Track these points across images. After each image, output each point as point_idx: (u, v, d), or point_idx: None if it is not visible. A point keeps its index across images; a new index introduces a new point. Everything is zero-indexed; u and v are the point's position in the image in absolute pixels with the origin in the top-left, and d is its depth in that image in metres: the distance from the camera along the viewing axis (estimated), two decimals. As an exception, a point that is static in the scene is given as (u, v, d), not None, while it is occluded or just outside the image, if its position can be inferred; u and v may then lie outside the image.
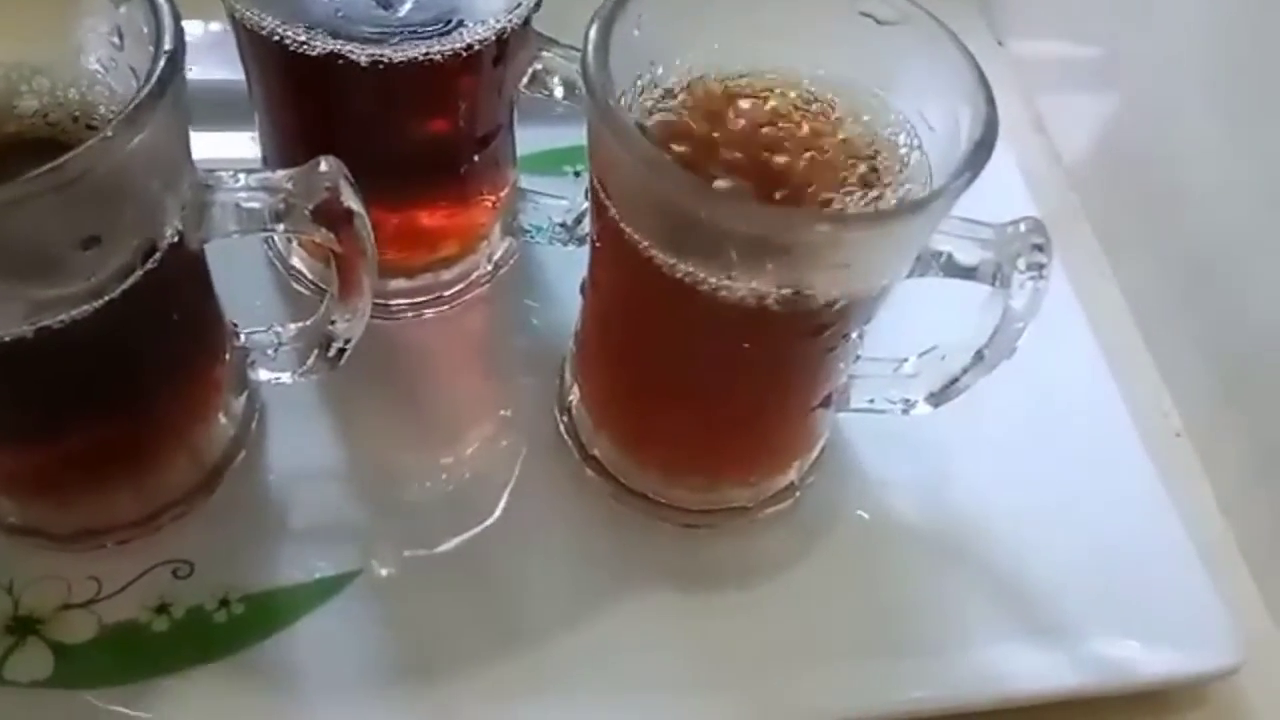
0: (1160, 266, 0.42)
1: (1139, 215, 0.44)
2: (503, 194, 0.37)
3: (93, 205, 0.24)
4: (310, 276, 0.37)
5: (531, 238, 0.37)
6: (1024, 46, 0.51)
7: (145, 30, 0.26)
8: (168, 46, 0.24)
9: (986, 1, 0.52)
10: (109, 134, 0.23)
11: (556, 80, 0.32)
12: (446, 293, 0.37)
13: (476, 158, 0.34)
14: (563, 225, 0.37)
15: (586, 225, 0.36)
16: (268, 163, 0.35)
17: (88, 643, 0.30)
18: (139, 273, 0.26)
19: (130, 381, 0.28)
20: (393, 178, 0.32)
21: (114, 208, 0.24)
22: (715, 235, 0.25)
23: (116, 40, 0.27)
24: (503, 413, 0.36)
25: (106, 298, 0.25)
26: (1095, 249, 0.45)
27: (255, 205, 0.27)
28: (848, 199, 0.28)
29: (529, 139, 0.38)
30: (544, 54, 0.32)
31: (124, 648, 0.30)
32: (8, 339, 0.25)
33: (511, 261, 0.39)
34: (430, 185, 0.34)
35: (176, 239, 0.26)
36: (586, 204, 0.36)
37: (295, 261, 0.37)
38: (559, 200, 0.37)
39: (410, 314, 0.37)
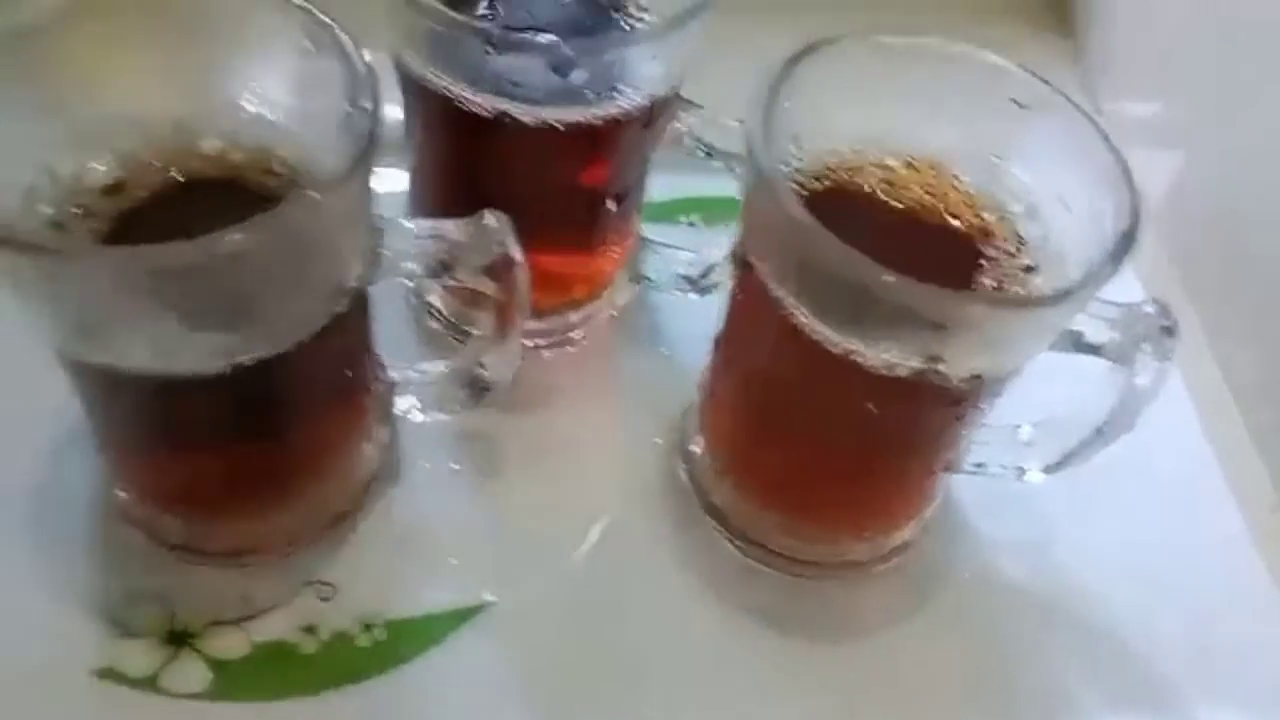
0: (1257, 338, 0.43)
1: (1239, 289, 0.44)
2: (629, 243, 0.38)
3: (298, 256, 0.25)
4: (445, 313, 0.38)
5: (654, 286, 0.39)
6: (1123, 114, 0.52)
7: (333, 84, 0.27)
8: (370, 114, 0.26)
9: (1086, 69, 0.54)
10: (316, 197, 0.24)
11: (695, 142, 0.34)
12: (572, 333, 0.39)
13: (613, 210, 0.36)
14: (685, 277, 0.38)
15: (711, 277, 0.38)
16: (416, 201, 0.37)
17: (241, 659, 0.31)
18: (325, 315, 0.27)
19: (295, 413, 0.30)
20: (535, 225, 0.33)
21: (314, 257, 0.26)
22: (867, 307, 0.27)
23: (302, 91, 0.29)
24: (625, 454, 0.37)
25: (294, 339, 0.27)
26: (1194, 322, 0.45)
27: (426, 254, 0.29)
28: (994, 277, 0.29)
29: (649, 188, 0.39)
30: (685, 116, 0.34)
31: (275, 665, 0.31)
32: (205, 374, 0.26)
33: (632, 306, 0.40)
34: (568, 234, 0.36)
35: (355, 283, 0.28)
36: (713, 258, 0.37)
37: (432, 298, 0.38)
38: (682, 252, 0.39)
39: (535, 353, 0.39)
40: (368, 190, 0.27)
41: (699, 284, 0.38)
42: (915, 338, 0.27)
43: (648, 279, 0.39)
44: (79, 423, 0.32)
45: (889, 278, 0.25)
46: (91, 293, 0.25)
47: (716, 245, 0.38)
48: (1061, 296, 0.26)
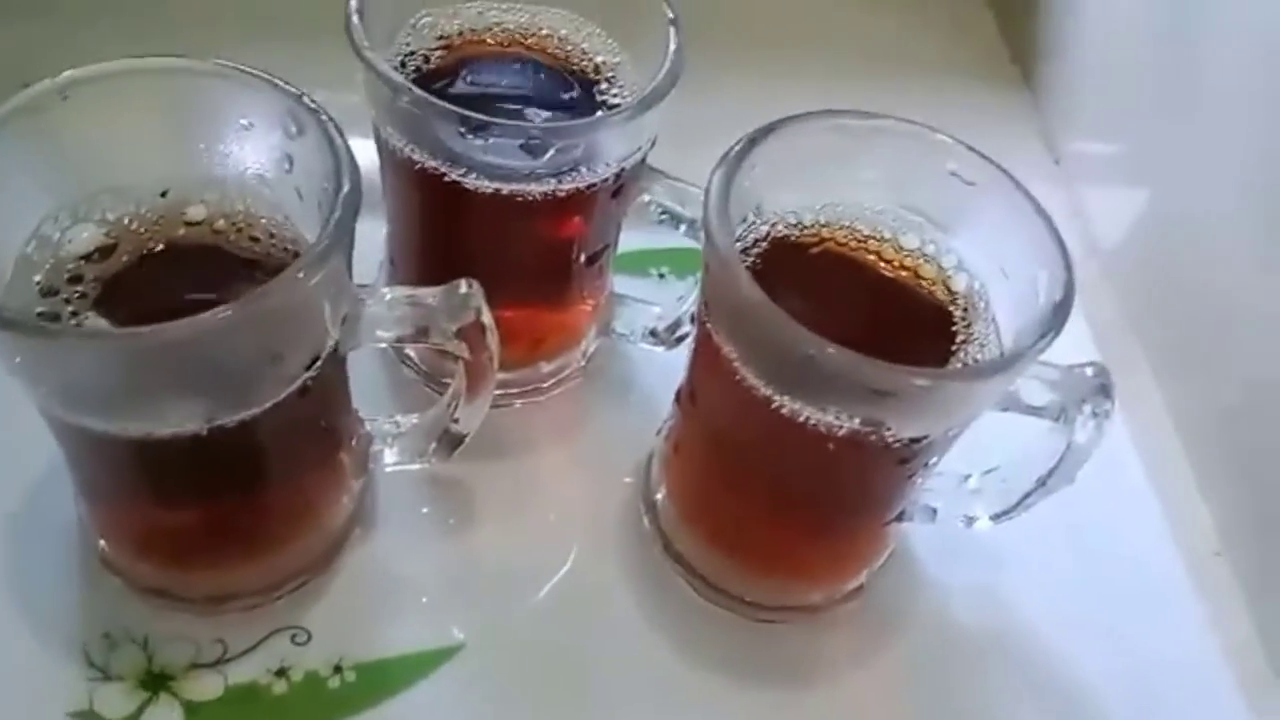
0: (1208, 387, 0.45)
1: (1188, 337, 0.46)
2: (600, 299, 0.40)
3: (280, 329, 0.27)
4: (423, 366, 0.40)
5: (624, 339, 0.40)
6: (1081, 160, 0.54)
7: (317, 161, 0.29)
8: (346, 191, 0.27)
9: (1045, 118, 0.56)
10: (299, 274, 0.26)
11: (662, 210, 0.36)
12: (543, 384, 0.40)
13: (585, 270, 0.37)
14: (653, 331, 0.40)
15: (678, 330, 0.39)
16: (395, 263, 0.38)
17: (214, 700, 0.32)
18: (301, 379, 0.29)
19: (273, 469, 0.31)
20: (509, 286, 0.35)
21: (294, 327, 0.28)
22: (811, 373, 0.28)
23: (286, 166, 0.31)
24: (591, 500, 0.39)
25: (271, 402, 0.28)
26: (1145, 371, 0.47)
27: (403, 320, 0.30)
28: (937, 344, 0.31)
29: (620, 240, 0.41)
30: (654, 186, 0.35)
31: (247, 708, 0.32)
32: (185, 434, 0.28)
33: (602, 356, 0.42)
34: (540, 293, 0.38)
35: (333, 348, 0.30)
36: (678, 312, 0.39)
37: (409, 350, 0.40)
38: (651, 306, 0.40)
39: (505, 404, 0.40)
40: (347, 264, 0.29)
41: (666, 339, 0.39)
42: (857, 403, 0.28)
43: (618, 333, 0.40)
44: (60, 468, 0.33)
45: (830, 350, 0.27)
46: (75, 366, 0.27)
47: (683, 299, 0.40)
48: (997, 368, 0.28)
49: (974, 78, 0.57)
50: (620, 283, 0.42)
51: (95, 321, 0.29)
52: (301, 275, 0.26)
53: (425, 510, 0.38)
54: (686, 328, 0.39)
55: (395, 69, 0.33)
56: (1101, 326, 0.47)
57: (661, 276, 0.45)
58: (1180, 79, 0.47)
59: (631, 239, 0.41)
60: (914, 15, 0.60)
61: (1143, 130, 0.50)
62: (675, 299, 0.41)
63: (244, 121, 0.30)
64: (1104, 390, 0.31)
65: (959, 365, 0.30)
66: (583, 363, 0.41)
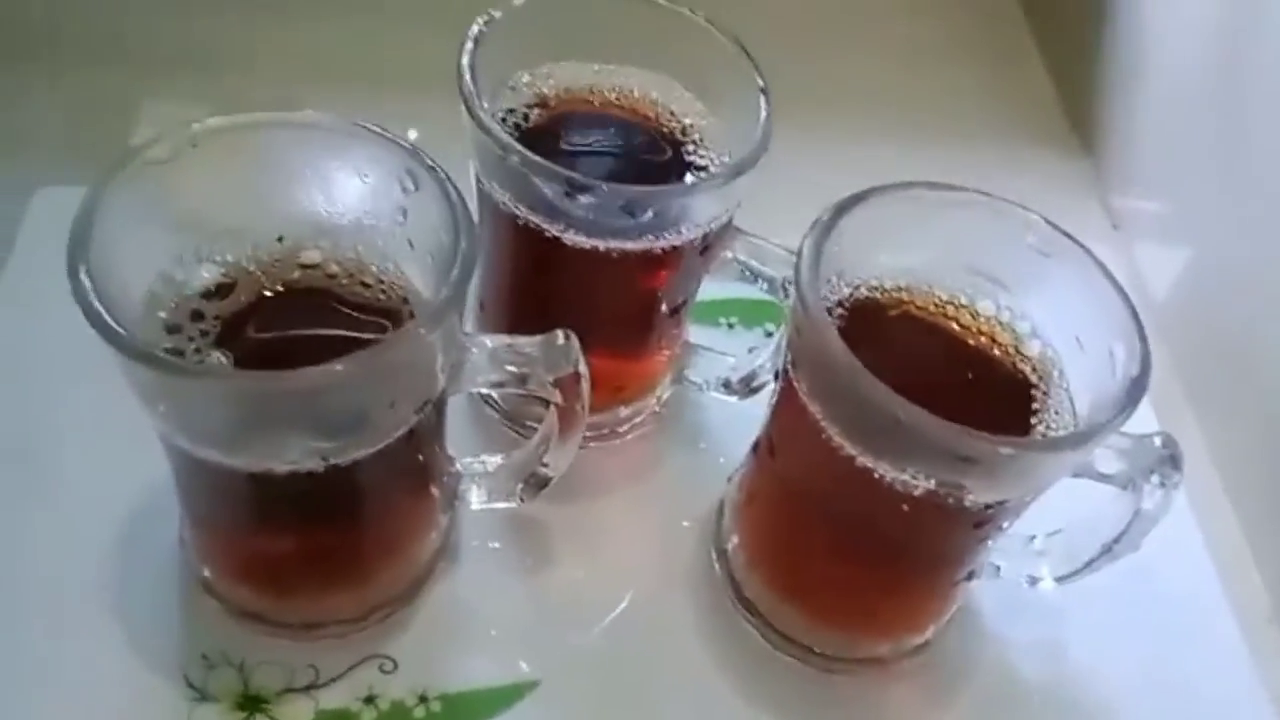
0: (1259, 453, 0.45)
1: (1240, 402, 0.47)
2: (676, 348, 0.41)
3: (396, 377, 0.29)
4: (503, 406, 0.41)
5: (697, 388, 0.42)
6: (1138, 226, 0.55)
7: (432, 214, 0.31)
8: (464, 249, 0.29)
9: (1105, 190, 0.57)
10: (421, 330, 0.28)
11: (744, 266, 0.37)
12: (620, 429, 0.42)
13: (666, 321, 0.39)
14: (726, 382, 0.41)
15: (752, 382, 0.41)
16: (485, 307, 0.40)
17: (307, 725, 0.34)
18: (412, 422, 0.30)
19: (374, 504, 0.33)
20: (596, 335, 0.36)
21: (411, 376, 0.29)
22: (894, 434, 0.29)
23: (400, 218, 0.32)
24: (663, 547, 0.40)
25: (384, 443, 0.30)
26: (1197, 435, 0.48)
27: (503, 368, 0.32)
28: (1012, 410, 0.32)
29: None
30: (737, 244, 0.37)
31: (338, 733, 0.34)
32: (301, 471, 0.29)
33: (674, 402, 0.43)
34: (625, 342, 0.39)
35: (440, 393, 0.31)
36: (752, 365, 0.40)
37: (491, 391, 0.41)
38: (725, 357, 0.42)
39: (581, 447, 0.41)
40: (459, 317, 0.30)
41: (740, 390, 0.41)
42: (940, 466, 0.30)
43: (691, 382, 0.42)
44: (164, 496, 0.34)
45: (918, 414, 0.28)
46: (206, 402, 0.29)
47: (755, 349, 0.41)
48: (1080, 440, 0.29)
49: (1035, 144, 0.59)
50: (692, 332, 0.43)
51: (218, 359, 0.31)
52: (423, 331, 0.27)
53: (503, 548, 0.39)
54: (760, 379, 0.40)
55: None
56: (1155, 391, 0.48)
57: (730, 326, 0.47)
58: (1239, 147, 0.48)
59: (702, 289, 0.43)
60: (974, 84, 0.62)
61: (1201, 198, 0.51)
62: (746, 350, 0.42)
63: (364, 177, 0.32)
64: (1173, 461, 0.32)
65: (1040, 434, 0.32)
66: (657, 409, 0.43)
